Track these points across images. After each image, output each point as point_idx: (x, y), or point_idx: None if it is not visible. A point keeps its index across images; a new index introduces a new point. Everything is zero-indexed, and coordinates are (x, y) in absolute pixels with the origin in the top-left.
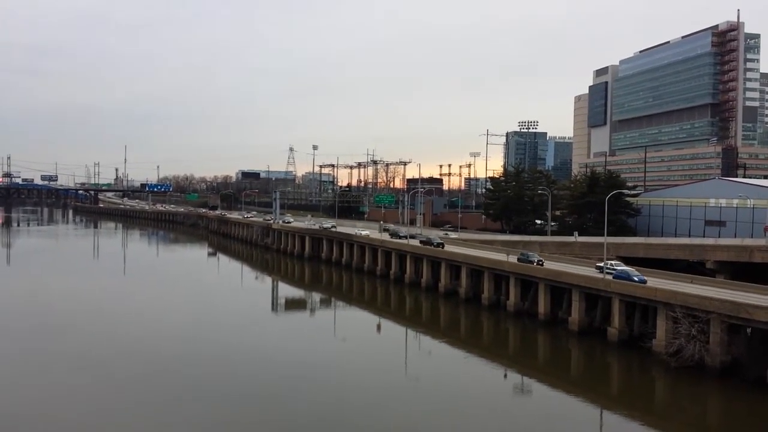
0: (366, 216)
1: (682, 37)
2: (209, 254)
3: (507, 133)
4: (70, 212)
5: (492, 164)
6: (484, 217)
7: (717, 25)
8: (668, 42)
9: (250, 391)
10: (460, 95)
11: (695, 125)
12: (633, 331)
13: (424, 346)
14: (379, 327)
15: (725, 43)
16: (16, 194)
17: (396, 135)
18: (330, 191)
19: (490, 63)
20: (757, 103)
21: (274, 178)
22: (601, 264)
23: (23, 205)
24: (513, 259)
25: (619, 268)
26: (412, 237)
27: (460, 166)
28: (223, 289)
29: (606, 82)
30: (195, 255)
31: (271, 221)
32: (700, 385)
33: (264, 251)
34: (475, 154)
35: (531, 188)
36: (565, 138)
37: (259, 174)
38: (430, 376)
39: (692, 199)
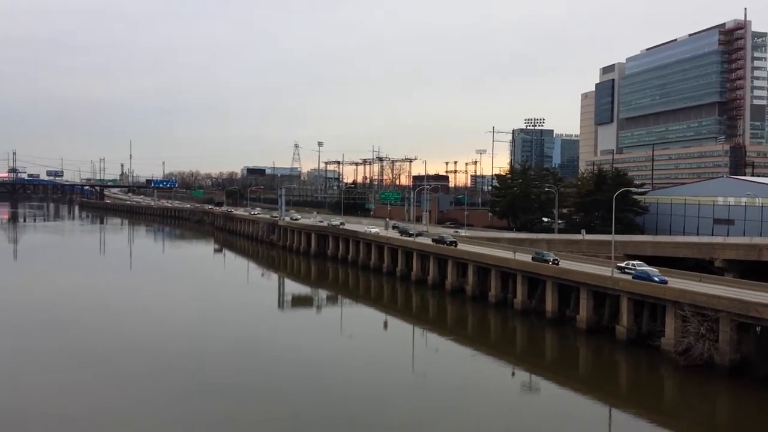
0: (372, 213)
1: (689, 35)
2: (215, 250)
3: (513, 131)
4: (76, 208)
5: (498, 162)
6: (490, 214)
7: (724, 24)
8: (675, 40)
9: (256, 388)
10: (466, 93)
11: (703, 123)
12: (641, 330)
13: (430, 343)
14: (385, 324)
15: (732, 42)
16: (22, 190)
17: (401, 132)
18: (335, 188)
19: (496, 61)
20: (764, 102)
21: (279, 175)
22: (623, 264)
23: (29, 200)
24: (520, 256)
25: (639, 268)
26: (419, 234)
27: (466, 164)
28: (229, 285)
29: (613, 80)
30: (201, 251)
31: (277, 218)
32: (709, 383)
33: (270, 248)
34: (481, 152)
35: (538, 186)
36: (571, 136)
37: (264, 170)
38: (436, 374)
39: (700, 197)
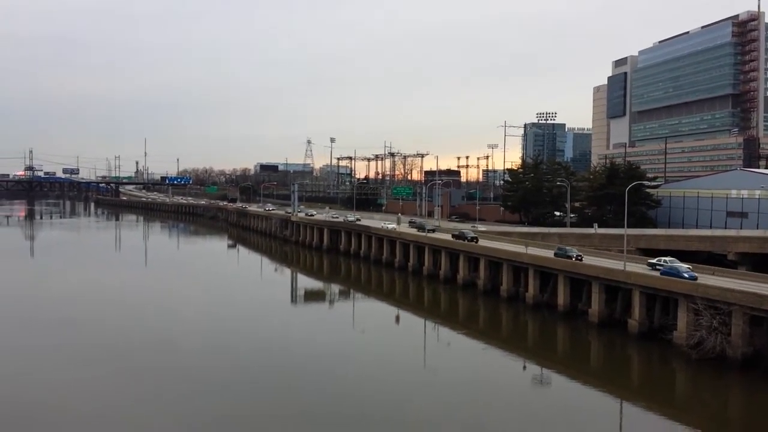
0: (384, 208)
1: (702, 27)
2: (229, 246)
3: (525, 125)
4: (92, 205)
5: (510, 156)
6: (502, 209)
7: (737, 15)
8: (688, 32)
9: (268, 383)
10: (477, 88)
11: (716, 116)
12: (653, 323)
13: (442, 337)
14: (397, 318)
15: (746, 33)
16: (39, 187)
17: (413, 127)
18: (348, 184)
19: (508, 55)
20: None
21: (292, 171)
22: (654, 260)
23: (45, 198)
24: (531, 251)
25: (670, 264)
26: (434, 230)
27: (478, 158)
28: (243, 281)
29: (625, 73)
30: (215, 247)
31: (291, 214)
32: (722, 377)
33: (283, 243)
34: (492, 146)
35: (550, 180)
36: (584, 129)
37: (277, 167)
38: (448, 368)
39: (713, 190)
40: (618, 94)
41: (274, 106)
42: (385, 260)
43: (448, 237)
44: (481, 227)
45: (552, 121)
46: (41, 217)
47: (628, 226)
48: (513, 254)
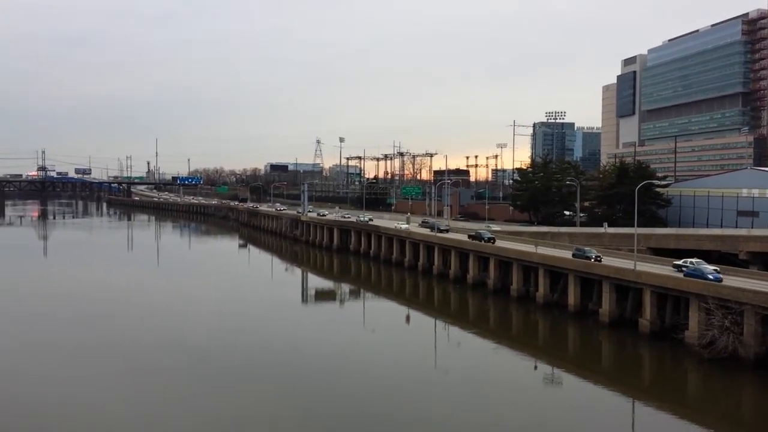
0: (393, 208)
1: (712, 26)
2: (240, 246)
3: (534, 124)
4: (104, 205)
5: (519, 155)
6: (511, 208)
7: (747, 13)
8: (697, 31)
9: (279, 382)
10: (486, 86)
11: (726, 114)
12: (665, 323)
13: (453, 337)
14: (408, 318)
15: (756, 31)
16: (51, 187)
17: (422, 127)
18: (357, 183)
19: (516, 54)
20: None
21: (302, 171)
22: (679, 262)
23: (58, 198)
24: (541, 250)
25: (696, 266)
26: (440, 231)
27: (487, 158)
28: (254, 280)
29: (634, 72)
30: (226, 247)
31: (300, 213)
32: (734, 377)
33: (293, 243)
34: (501, 146)
35: (559, 179)
36: (593, 128)
37: (287, 166)
38: (459, 368)
39: (724, 189)
40: (627, 92)
41: (284, 106)
42: (394, 260)
43: (461, 237)
44: (495, 227)
45: (561, 120)
46: (54, 217)
47: (638, 226)
48: (523, 254)
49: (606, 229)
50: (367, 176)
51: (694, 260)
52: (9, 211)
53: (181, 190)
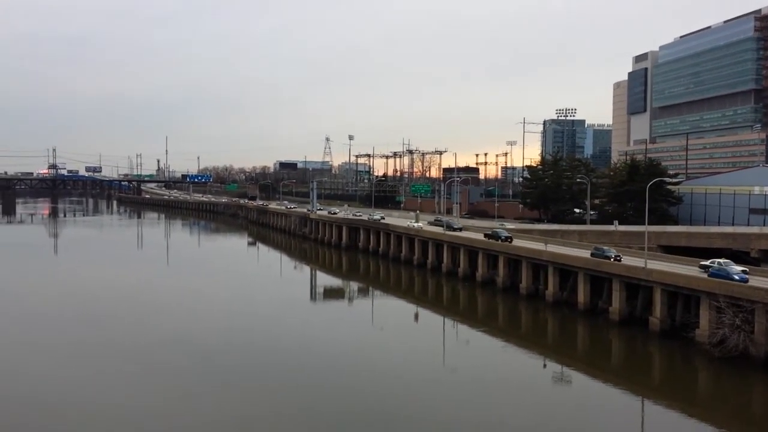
0: (402, 205)
1: (724, 22)
2: (249, 244)
3: (544, 121)
4: (114, 203)
5: (529, 153)
6: (521, 206)
7: (760, 10)
8: (709, 27)
9: (287, 380)
10: (496, 83)
11: (738, 111)
12: (675, 321)
13: (461, 335)
14: (416, 316)
15: None
16: (62, 185)
17: (432, 125)
18: (366, 181)
19: (527, 51)
20: None
21: (311, 169)
22: (706, 262)
23: (69, 196)
24: (551, 248)
25: (717, 266)
26: (453, 229)
27: (497, 155)
28: (263, 278)
29: (646, 69)
30: (235, 245)
31: (310, 211)
32: (744, 375)
33: (302, 241)
34: (511, 143)
35: (569, 177)
36: (604, 126)
37: (296, 164)
38: (468, 366)
39: (736, 186)
40: (638, 89)
41: (293, 105)
42: (403, 258)
43: (473, 236)
44: (508, 225)
45: (571, 118)
46: (65, 215)
47: (649, 224)
48: (533, 251)
49: (616, 227)
50: (376, 174)
51: (722, 261)
52: (20, 209)
53: (190, 188)
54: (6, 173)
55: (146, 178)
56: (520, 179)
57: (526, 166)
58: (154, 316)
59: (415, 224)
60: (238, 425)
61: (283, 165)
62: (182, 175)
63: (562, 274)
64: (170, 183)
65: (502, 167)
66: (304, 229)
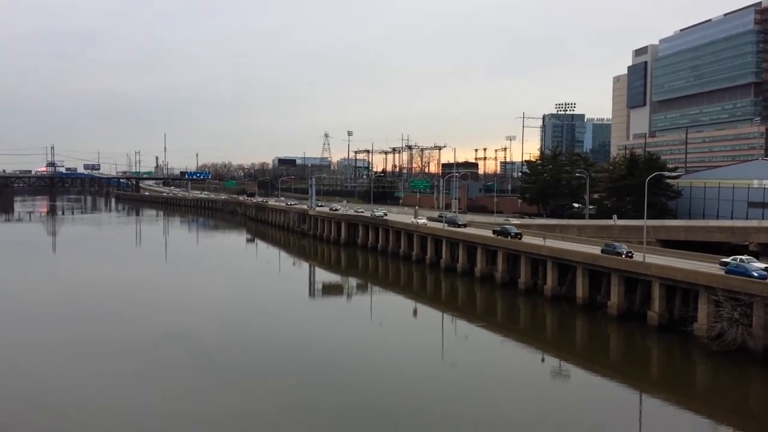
0: (401, 201)
1: (725, 15)
2: (247, 240)
3: (543, 116)
4: (113, 200)
5: (528, 147)
6: (520, 201)
7: (760, 2)
8: (710, 20)
9: (286, 376)
10: (495, 79)
11: (737, 105)
12: (673, 315)
13: (460, 330)
14: (415, 312)
15: None
16: (60, 183)
17: (430, 120)
18: (365, 177)
19: (526, 45)
20: None
21: (309, 165)
22: (727, 259)
23: (67, 193)
24: (550, 243)
25: (735, 263)
26: (458, 226)
27: (496, 150)
28: (261, 275)
29: (646, 62)
30: (234, 241)
31: (308, 207)
32: (742, 369)
33: (300, 237)
34: (510, 138)
35: (568, 171)
36: (603, 120)
37: (295, 161)
38: (466, 361)
39: (735, 180)
40: (638, 83)
41: (291, 101)
42: (402, 253)
43: (476, 232)
44: (514, 220)
45: (571, 112)
46: (63, 213)
47: (648, 218)
48: (532, 246)
49: (615, 222)
50: (375, 170)
51: (744, 257)
52: (18, 207)
53: (189, 185)
54: (4, 171)
55: (145, 176)
56: (519, 174)
57: (526, 161)
58: (153, 314)
59: (420, 221)
60: (238, 422)
61: (282, 161)
62: (181, 172)
63: (561, 269)
64: (169, 180)
65: (501, 162)
66: (303, 225)
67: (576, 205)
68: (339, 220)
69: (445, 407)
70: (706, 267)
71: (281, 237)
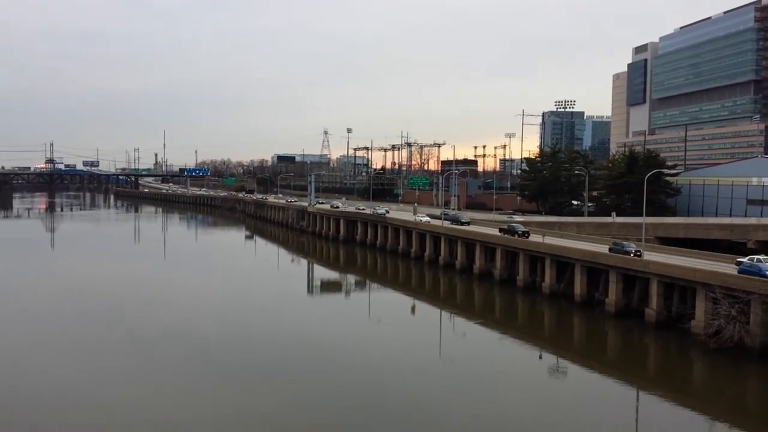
0: (400, 198)
1: (725, 13)
2: (246, 237)
3: (543, 113)
4: (112, 197)
5: (528, 145)
6: (519, 198)
7: (760, 0)
8: (710, 18)
9: (283, 374)
10: (494, 75)
11: (737, 102)
12: (671, 313)
13: (458, 327)
14: (413, 309)
15: None
16: (59, 180)
17: (430, 117)
18: (364, 174)
19: (525, 43)
20: None
21: (309, 162)
22: (743, 259)
23: (66, 190)
24: (549, 240)
25: (754, 264)
26: (461, 224)
27: (495, 148)
28: (260, 272)
29: (645, 60)
30: (233, 238)
31: (308, 205)
32: (740, 366)
33: (299, 234)
34: (510, 135)
35: (568, 169)
36: (603, 117)
37: (294, 158)
38: (464, 358)
39: (734, 178)
40: (638, 81)
41: (291, 100)
42: (401, 250)
43: (485, 230)
44: (518, 218)
45: (570, 110)
46: (62, 210)
47: (647, 215)
48: (531, 243)
49: (614, 219)
50: (374, 167)
51: (762, 257)
52: (17, 204)
53: (188, 182)
54: (3, 168)
55: (144, 173)
56: (519, 171)
57: (525, 158)
58: (152, 311)
59: (423, 218)
60: (237, 419)
61: (281, 158)
62: (180, 169)
63: (559, 266)
64: (168, 177)
65: (500, 160)
66: (302, 222)
67: (575, 202)
68: (338, 217)
69: (443, 404)
70: (705, 264)
71: (280, 234)
